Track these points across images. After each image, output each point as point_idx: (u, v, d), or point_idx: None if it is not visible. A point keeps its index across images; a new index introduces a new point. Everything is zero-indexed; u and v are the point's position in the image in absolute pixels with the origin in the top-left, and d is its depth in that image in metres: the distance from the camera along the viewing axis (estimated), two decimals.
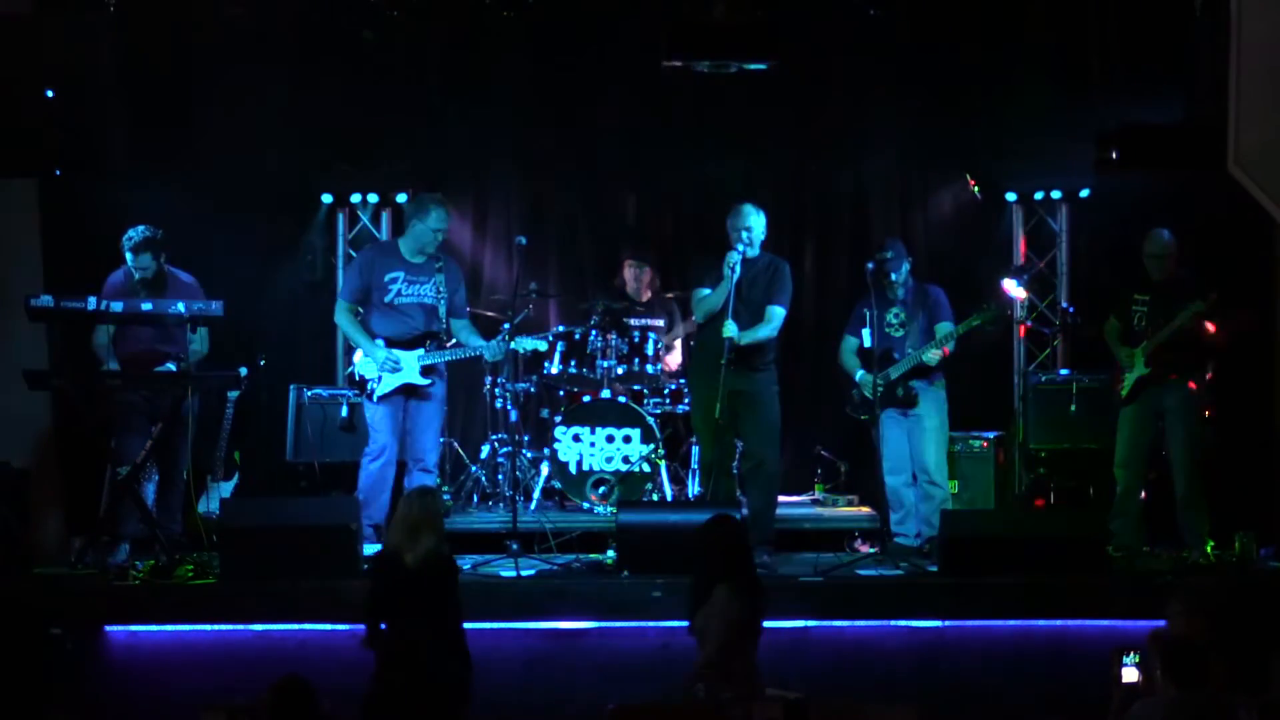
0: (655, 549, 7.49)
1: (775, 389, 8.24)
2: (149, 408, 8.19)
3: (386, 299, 8.24)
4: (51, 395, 8.81)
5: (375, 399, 8.17)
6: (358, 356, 8.36)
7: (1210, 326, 8.18)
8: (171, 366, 8.21)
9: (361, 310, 8.29)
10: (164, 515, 8.21)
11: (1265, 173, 7.18)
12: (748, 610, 5.87)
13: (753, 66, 8.91)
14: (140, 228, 8.24)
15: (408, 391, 8.21)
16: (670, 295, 9.95)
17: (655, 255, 9.97)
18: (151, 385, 8.17)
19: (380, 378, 8.17)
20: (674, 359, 9.67)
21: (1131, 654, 5.35)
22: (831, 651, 7.23)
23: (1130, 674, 5.34)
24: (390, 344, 8.19)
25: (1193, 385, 8.36)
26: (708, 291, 8.20)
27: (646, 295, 9.84)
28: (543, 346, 8.62)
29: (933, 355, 8.33)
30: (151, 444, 8.04)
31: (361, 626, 6.19)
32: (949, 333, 8.38)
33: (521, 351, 8.52)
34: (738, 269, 8.04)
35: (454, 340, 8.39)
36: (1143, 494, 8.46)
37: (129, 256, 8.21)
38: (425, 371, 8.21)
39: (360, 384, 8.31)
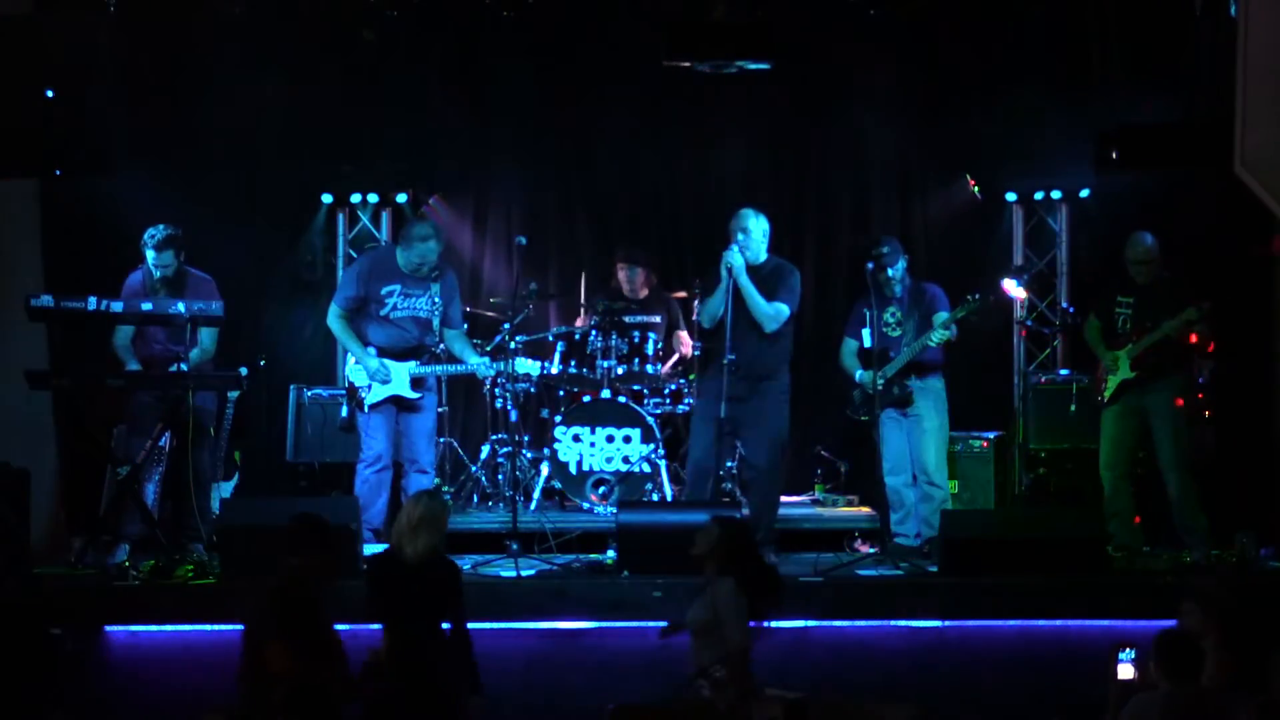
0: (655, 549, 7.49)
1: (785, 399, 8.23)
2: (160, 408, 8.16)
3: (382, 312, 8.27)
4: (51, 395, 8.81)
5: (366, 408, 8.22)
6: (350, 363, 8.38)
7: (1192, 337, 8.15)
8: (185, 368, 8.18)
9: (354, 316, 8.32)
10: (189, 519, 8.07)
11: (1271, 174, 7.17)
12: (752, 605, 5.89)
13: (753, 66, 8.91)
14: (160, 226, 8.16)
15: (397, 402, 8.24)
16: (676, 295, 9.93)
17: (647, 255, 9.93)
18: (151, 386, 8.16)
19: (370, 386, 8.20)
20: (683, 347, 9.63)
21: (1128, 650, 5.35)
22: (831, 651, 7.22)
23: (1126, 670, 5.34)
24: (382, 354, 8.23)
25: (1179, 402, 8.32)
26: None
27: (644, 293, 9.83)
28: (534, 371, 8.66)
29: (931, 340, 8.29)
30: (151, 443, 8.03)
31: (362, 626, 6.19)
32: (942, 321, 8.35)
33: (516, 372, 8.53)
34: (736, 270, 8.05)
35: (446, 351, 8.41)
36: (1132, 492, 8.44)
37: (150, 254, 8.13)
38: (415, 384, 8.23)
39: (351, 391, 8.33)
